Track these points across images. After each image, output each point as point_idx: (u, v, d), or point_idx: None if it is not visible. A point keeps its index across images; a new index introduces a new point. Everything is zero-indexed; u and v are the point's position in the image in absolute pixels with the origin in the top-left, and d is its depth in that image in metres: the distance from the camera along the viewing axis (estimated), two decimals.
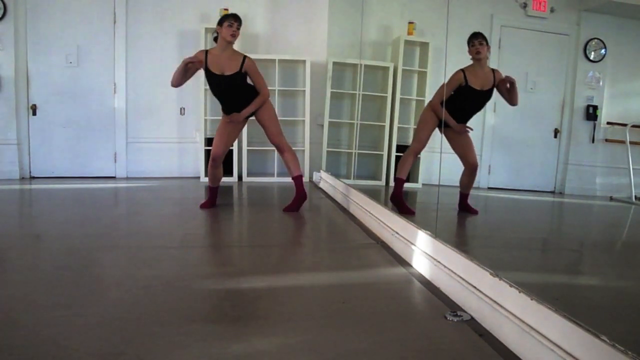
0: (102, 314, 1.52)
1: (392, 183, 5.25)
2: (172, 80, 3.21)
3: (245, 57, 3.29)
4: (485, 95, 3.33)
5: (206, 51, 3.27)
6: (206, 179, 4.98)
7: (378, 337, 1.42)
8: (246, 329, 1.44)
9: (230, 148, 5.07)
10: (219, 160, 3.41)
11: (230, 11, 5.10)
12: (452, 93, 3.35)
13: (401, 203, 3.36)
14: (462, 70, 3.32)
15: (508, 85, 3.26)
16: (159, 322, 1.47)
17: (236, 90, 3.31)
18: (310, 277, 2.05)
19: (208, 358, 1.25)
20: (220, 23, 3.23)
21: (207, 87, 5.06)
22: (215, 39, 3.32)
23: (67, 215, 3.35)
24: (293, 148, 5.42)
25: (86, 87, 5.16)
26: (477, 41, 3.27)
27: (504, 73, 3.40)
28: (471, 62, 3.33)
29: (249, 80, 3.35)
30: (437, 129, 3.47)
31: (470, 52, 3.31)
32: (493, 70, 3.34)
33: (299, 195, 3.45)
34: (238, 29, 3.23)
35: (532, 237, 3.29)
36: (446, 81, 3.36)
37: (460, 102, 3.34)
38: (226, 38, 3.20)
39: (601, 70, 5.54)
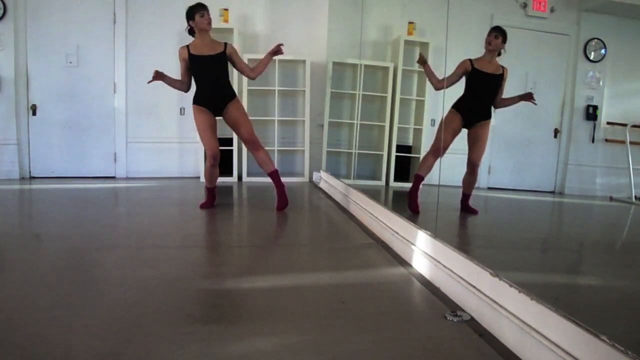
0: (102, 314, 1.52)
1: (391, 183, 5.26)
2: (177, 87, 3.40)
3: (226, 43, 3.35)
4: (495, 79, 3.38)
5: (187, 45, 3.30)
6: None
7: (378, 337, 1.42)
8: (246, 329, 1.44)
9: (230, 148, 5.10)
10: (218, 159, 3.38)
11: (230, 11, 5.15)
12: (464, 81, 3.43)
13: (412, 199, 3.37)
14: (469, 59, 3.40)
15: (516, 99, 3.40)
16: (159, 322, 1.47)
17: (221, 72, 3.30)
18: (310, 277, 2.05)
19: (208, 358, 1.25)
20: (191, 17, 3.24)
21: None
22: (190, 32, 3.33)
23: (66, 215, 3.35)
24: (293, 148, 5.49)
25: (86, 87, 5.16)
26: (493, 34, 3.34)
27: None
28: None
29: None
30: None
31: (485, 42, 3.37)
32: (502, 66, 3.42)
33: (280, 189, 3.47)
34: (209, 14, 3.27)
35: (532, 237, 3.29)
36: (452, 74, 3.43)
37: (472, 88, 3.40)
38: (204, 27, 3.23)
39: (601, 70, 5.54)
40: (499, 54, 3.44)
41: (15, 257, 2.23)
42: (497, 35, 3.34)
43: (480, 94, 3.41)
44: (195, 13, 3.22)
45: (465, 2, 4.96)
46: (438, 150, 3.36)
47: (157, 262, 2.16)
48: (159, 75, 3.25)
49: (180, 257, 2.27)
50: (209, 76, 3.29)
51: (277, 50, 3.44)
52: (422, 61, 3.53)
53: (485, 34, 3.45)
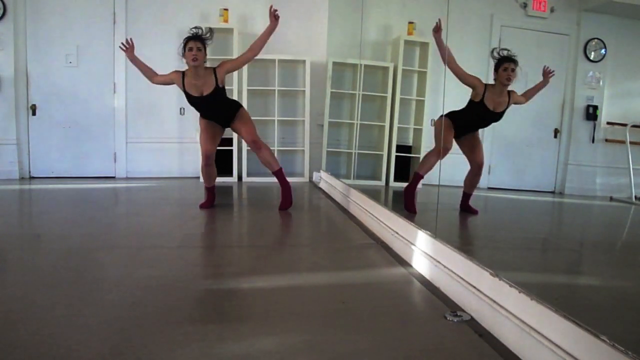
0: (102, 314, 1.52)
1: (391, 183, 5.26)
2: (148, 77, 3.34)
3: (214, 69, 3.21)
4: (496, 117, 3.31)
5: (182, 73, 3.21)
6: None
7: (378, 337, 1.42)
8: (246, 329, 1.44)
9: (230, 148, 5.10)
10: (212, 158, 3.40)
11: (230, 11, 5.15)
12: (465, 108, 3.34)
13: (409, 198, 3.36)
14: (485, 85, 3.26)
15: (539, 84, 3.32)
16: (158, 322, 1.47)
17: (217, 106, 3.31)
18: (310, 277, 2.05)
19: (208, 358, 1.25)
20: (183, 50, 3.16)
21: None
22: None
23: (66, 215, 3.35)
24: (293, 148, 5.49)
25: (86, 87, 5.16)
26: (510, 67, 3.16)
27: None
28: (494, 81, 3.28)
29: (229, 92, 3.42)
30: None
31: (500, 75, 3.20)
32: (509, 92, 3.26)
33: (285, 188, 3.46)
34: (200, 49, 3.10)
35: (532, 237, 3.29)
36: (467, 73, 3.24)
37: (471, 118, 3.34)
38: (188, 63, 3.12)
39: (601, 70, 5.54)
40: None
41: (15, 257, 2.23)
42: (513, 68, 3.17)
43: (478, 123, 3.40)
44: (185, 46, 3.12)
45: (465, 2, 4.96)
46: (440, 151, 3.33)
47: (157, 262, 2.16)
48: (130, 49, 3.24)
49: (180, 257, 2.27)
50: (208, 112, 3.34)
51: (274, 16, 3.19)
52: (437, 29, 3.28)
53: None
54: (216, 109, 3.32)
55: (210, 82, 3.20)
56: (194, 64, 3.10)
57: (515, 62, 3.20)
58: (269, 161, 3.43)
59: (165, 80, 3.29)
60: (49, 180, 4.96)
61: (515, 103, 3.33)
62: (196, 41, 3.12)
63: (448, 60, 3.19)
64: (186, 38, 3.17)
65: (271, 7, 3.21)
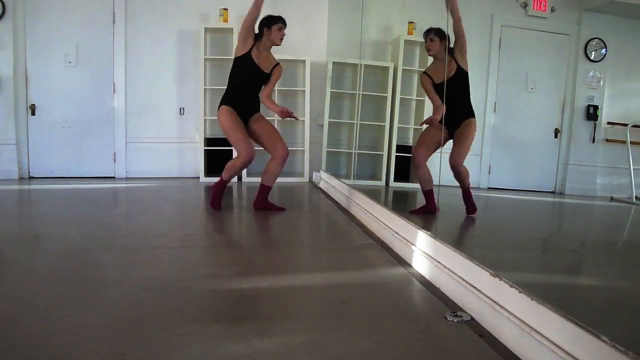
0: (102, 314, 1.52)
1: (391, 183, 5.26)
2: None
3: (277, 63, 3.39)
4: (453, 82, 3.26)
5: (254, 44, 3.29)
6: (206, 180, 4.99)
7: (378, 337, 1.42)
8: (246, 329, 1.44)
9: (230, 148, 5.09)
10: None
11: (230, 11, 5.14)
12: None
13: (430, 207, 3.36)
14: (425, 72, 3.41)
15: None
16: (159, 322, 1.46)
17: (257, 88, 3.36)
18: (310, 277, 2.05)
19: (208, 358, 1.25)
20: (268, 25, 3.25)
21: (208, 86, 5.08)
22: (256, 35, 3.30)
23: (66, 215, 3.34)
24: (293, 148, 5.48)
25: (85, 87, 5.15)
26: (428, 38, 3.32)
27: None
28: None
29: None
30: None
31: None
32: (453, 58, 3.29)
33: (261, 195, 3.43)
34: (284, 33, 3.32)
35: (532, 237, 3.29)
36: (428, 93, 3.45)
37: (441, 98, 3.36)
38: (275, 42, 3.30)
39: (602, 70, 5.54)
40: (452, 50, 3.30)
41: (15, 257, 2.23)
42: (432, 37, 3.30)
43: (449, 101, 3.30)
44: (275, 24, 3.24)
45: (465, 2, 4.96)
46: (415, 166, 3.35)
47: (157, 262, 2.16)
48: None
49: (181, 257, 2.27)
50: (251, 88, 3.33)
51: (289, 115, 3.35)
52: (434, 121, 3.35)
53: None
54: (255, 90, 3.35)
55: (269, 66, 3.33)
56: (280, 44, 3.31)
57: (431, 30, 3.32)
58: (277, 174, 3.37)
59: (251, 24, 3.24)
60: (49, 180, 4.95)
61: (459, 38, 3.27)
62: (286, 25, 3.29)
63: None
64: (277, 17, 3.27)
65: (291, 114, 3.35)
